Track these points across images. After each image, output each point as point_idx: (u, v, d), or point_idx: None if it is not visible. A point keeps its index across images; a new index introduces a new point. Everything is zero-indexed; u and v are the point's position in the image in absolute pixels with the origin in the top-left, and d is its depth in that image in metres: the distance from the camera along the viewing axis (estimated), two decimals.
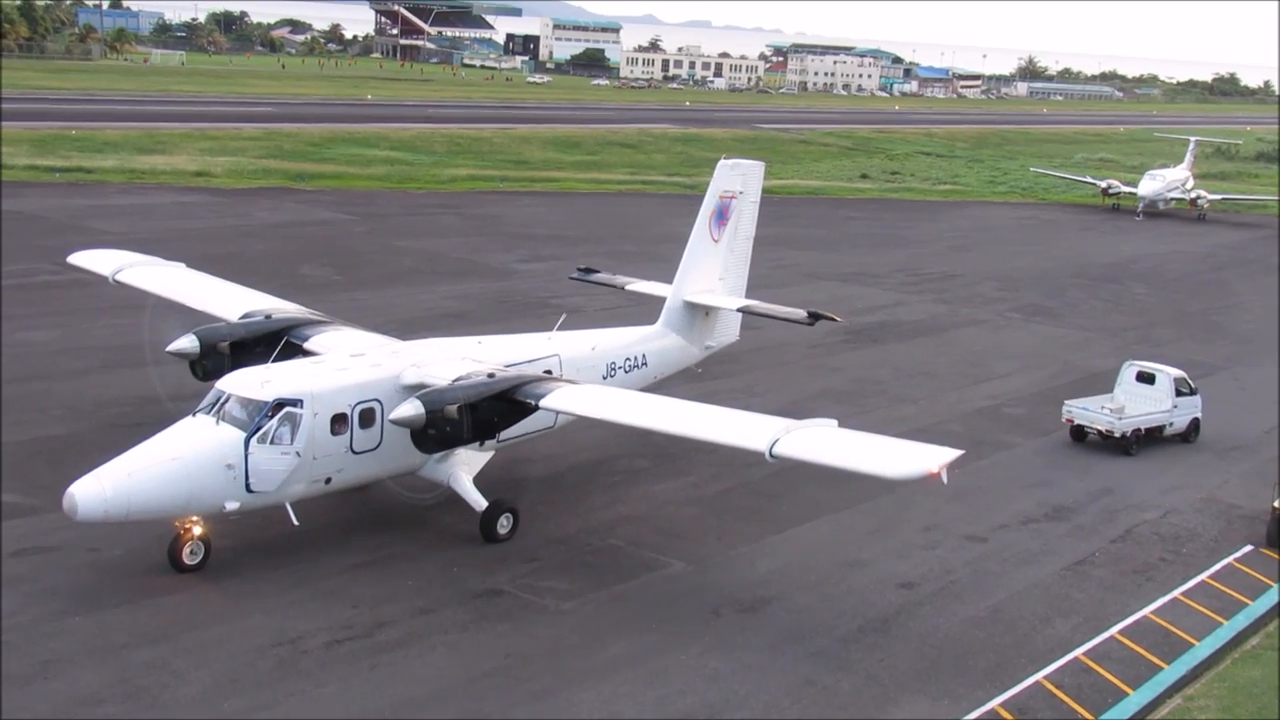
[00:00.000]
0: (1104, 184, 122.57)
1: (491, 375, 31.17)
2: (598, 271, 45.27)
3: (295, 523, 29.22)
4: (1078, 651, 28.45)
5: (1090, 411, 44.08)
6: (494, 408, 30.58)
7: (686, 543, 33.13)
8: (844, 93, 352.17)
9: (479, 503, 31.89)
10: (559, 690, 25.16)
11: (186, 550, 28.51)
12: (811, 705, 25.35)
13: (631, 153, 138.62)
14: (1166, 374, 44.93)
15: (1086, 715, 25.70)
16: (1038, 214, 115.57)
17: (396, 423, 29.42)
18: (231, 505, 28.30)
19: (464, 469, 32.49)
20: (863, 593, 30.90)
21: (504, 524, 31.96)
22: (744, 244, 41.63)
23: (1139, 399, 44.62)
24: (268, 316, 35.43)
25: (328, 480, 29.89)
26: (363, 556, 30.40)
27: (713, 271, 40.67)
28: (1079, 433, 44.41)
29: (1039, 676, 27.11)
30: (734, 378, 49.54)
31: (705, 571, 31.51)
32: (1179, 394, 44.83)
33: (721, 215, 40.41)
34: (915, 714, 25.35)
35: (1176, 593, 32.21)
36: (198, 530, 28.59)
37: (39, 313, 47.41)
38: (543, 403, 30.75)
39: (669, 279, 40.84)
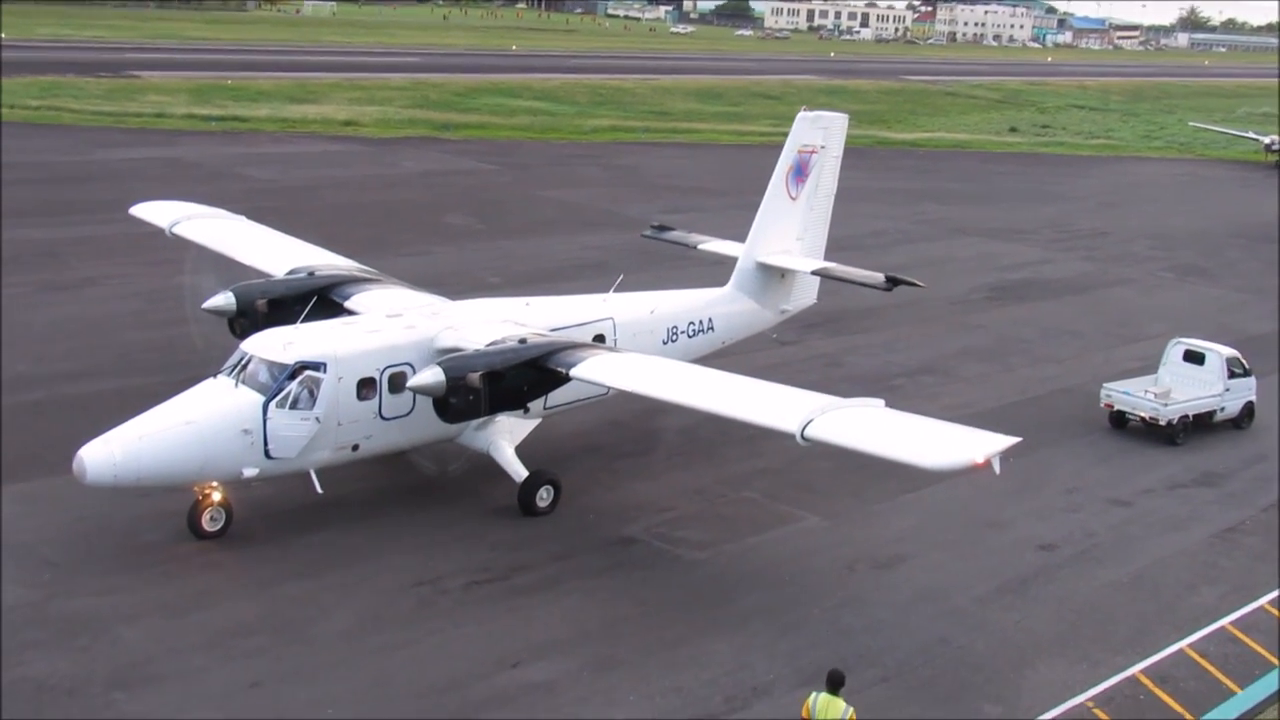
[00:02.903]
0: (1268, 140, 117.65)
1: (523, 341, 29.22)
2: (672, 229, 42.59)
3: (320, 491, 28.33)
4: (1224, 620, 27.64)
5: (1132, 396, 39.51)
6: (523, 375, 28.64)
7: (822, 498, 32.99)
8: (994, 44, 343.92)
9: (519, 473, 30.27)
10: (692, 639, 25.34)
11: (206, 516, 27.67)
12: (945, 665, 25.12)
13: (774, 104, 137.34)
14: (1218, 353, 40.28)
15: (1233, 686, 25.04)
16: (1195, 170, 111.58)
17: (415, 390, 27.85)
18: (250, 472, 27.29)
19: (505, 437, 30.75)
20: (1001, 553, 30.44)
21: (544, 496, 30.35)
22: (825, 202, 39.26)
23: (1186, 381, 40.00)
24: (311, 273, 33.96)
25: (355, 447, 28.62)
26: (500, 502, 30.83)
27: (789, 231, 38.59)
28: (1119, 419, 39.80)
29: (1183, 644, 26.45)
30: (874, 333, 49.11)
31: (840, 527, 31.39)
32: (1231, 375, 39.99)
33: (800, 171, 38.27)
34: (1052, 677, 24.94)
35: None
36: (217, 496, 27.69)
37: (168, 259, 47.98)
38: (573, 372, 28.75)
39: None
